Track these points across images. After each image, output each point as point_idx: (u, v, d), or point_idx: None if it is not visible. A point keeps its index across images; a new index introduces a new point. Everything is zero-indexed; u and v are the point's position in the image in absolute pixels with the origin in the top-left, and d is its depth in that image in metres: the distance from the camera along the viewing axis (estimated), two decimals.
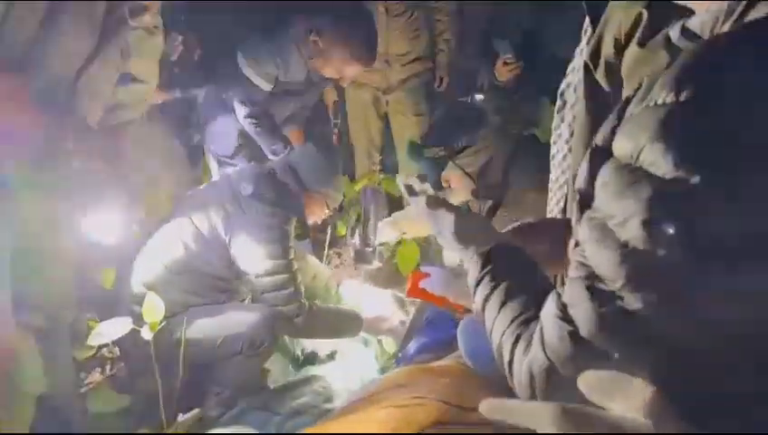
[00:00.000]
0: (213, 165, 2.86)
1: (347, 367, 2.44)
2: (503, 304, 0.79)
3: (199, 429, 2.10)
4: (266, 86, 2.74)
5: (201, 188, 2.51)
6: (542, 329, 0.69)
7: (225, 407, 2.21)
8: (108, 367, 2.47)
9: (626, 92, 0.84)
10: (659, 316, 0.59)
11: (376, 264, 2.72)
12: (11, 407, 1.86)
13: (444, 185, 2.41)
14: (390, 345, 2.44)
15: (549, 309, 0.69)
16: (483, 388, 1.91)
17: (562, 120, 1.40)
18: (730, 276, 0.55)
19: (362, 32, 2.64)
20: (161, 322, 2.00)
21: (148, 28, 2.20)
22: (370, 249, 2.64)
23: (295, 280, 2.25)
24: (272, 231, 2.22)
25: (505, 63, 3.06)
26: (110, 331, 1.98)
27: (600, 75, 1.06)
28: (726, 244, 0.54)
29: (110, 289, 2.37)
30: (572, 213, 0.71)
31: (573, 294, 0.65)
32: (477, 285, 0.85)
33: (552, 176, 1.58)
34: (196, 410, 2.18)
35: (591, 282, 0.63)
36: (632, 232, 0.58)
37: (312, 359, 2.50)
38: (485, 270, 0.86)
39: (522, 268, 0.86)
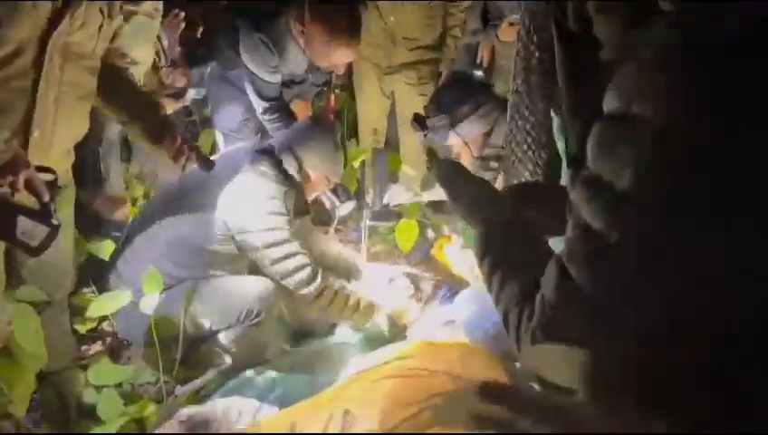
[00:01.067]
0: (219, 138, 2.85)
1: (347, 339, 2.44)
2: (507, 277, 0.79)
3: (199, 399, 2.11)
4: (274, 78, 2.74)
5: (191, 171, 2.47)
6: (542, 295, 0.70)
7: (224, 378, 2.21)
8: (108, 340, 2.47)
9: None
10: (652, 267, 0.60)
11: (392, 223, 2.73)
12: (12, 381, 1.85)
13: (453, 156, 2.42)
14: (400, 318, 2.44)
15: (549, 270, 0.70)
16: (486, 362, 1.94)
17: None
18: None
19: (341, 13, 2.58)
20: (160, 294, 1.99)
21: (149, 12, 2.16)
22: (387, 208, 2.66)
23: (301, 251, 2.24)
24: (271, 202, 2.21)
25: (511, 24, 3.00)
26: (109, 303, 1.97)
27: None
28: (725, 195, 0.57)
29: (108, 262, 2.36)
30: (565, 175, 0.72)
31: (570, 250, 0.66)
32: (483, 257, 0.85)
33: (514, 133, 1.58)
34: (195, 381, 2.19)
35: (587, 237, 0.64)
36: (626, 183, 0.59)
37: (311, 331, 2.51)
38: (490, 243, 0.85)
39: (524, 241, 0.85)
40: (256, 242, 2.19)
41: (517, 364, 2.16)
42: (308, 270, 2.23)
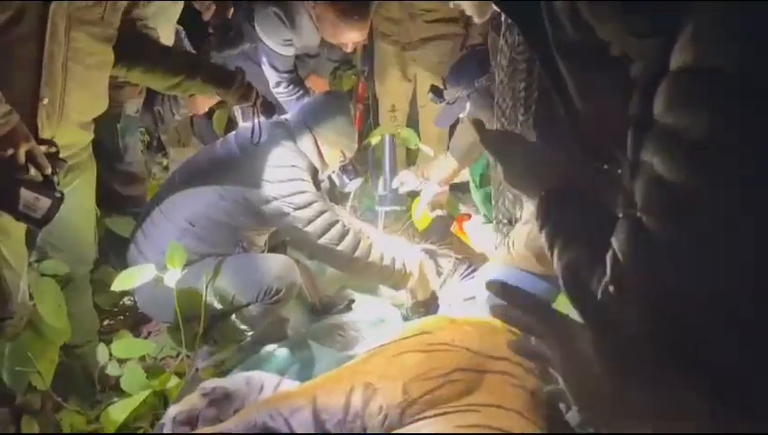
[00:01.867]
0: (237, 113, 2.88)
1: (365, 316, 2.46)
2: (569, 242, 0.78)
3: (220, 373, 2.14)
4: (288, 51, 2.76)
5: (218, 142, 2.48)
6: (614, 251, 0.69)
7: (244, 353, 2.24)
8: (129, 314, 2.51)
9: None
10: (731, 216, 0.61)
11: (403, 207, 2.74)
12: (37, 354, 1.89)
13: None
14: (423, 293, 2.43)
15: (621, 226, 0.69)
16: (506, 338, 1.94)
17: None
18: None
19: None
20: (181, 270, 2.01)
21: None
22: (395, 193, 2.67)
23: (329, 210, 2.26)
24: (293, 169, 2.23)
25: None
26: (133, 277, 1.99)
27: None
28: None
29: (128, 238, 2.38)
30: (630, 138, 0.71)
31: (646, 203, 0.66)
32: (543, 226, 0.84)
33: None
34: (216, 356, 2.22)
35: (663, 189, 0.64)
36: (704, 133, 0.59)
37: (329, 307, 2.52)
38: (549, 212, 0.84)
39: (583, 208, 0.84)
40: (285, 208, 2.20)
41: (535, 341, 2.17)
42: (340, 225, 2.24)
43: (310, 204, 2.21)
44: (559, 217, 0.82)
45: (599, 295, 0.72)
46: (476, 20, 2.00)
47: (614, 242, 0.71)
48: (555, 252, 0.80)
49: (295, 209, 2.20)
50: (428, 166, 2.67)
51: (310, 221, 2.21)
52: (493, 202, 2.32)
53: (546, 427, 1.70)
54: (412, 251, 2.49)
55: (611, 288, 0.70)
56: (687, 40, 0.62)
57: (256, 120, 2.17)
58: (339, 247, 2.23)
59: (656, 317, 0.66)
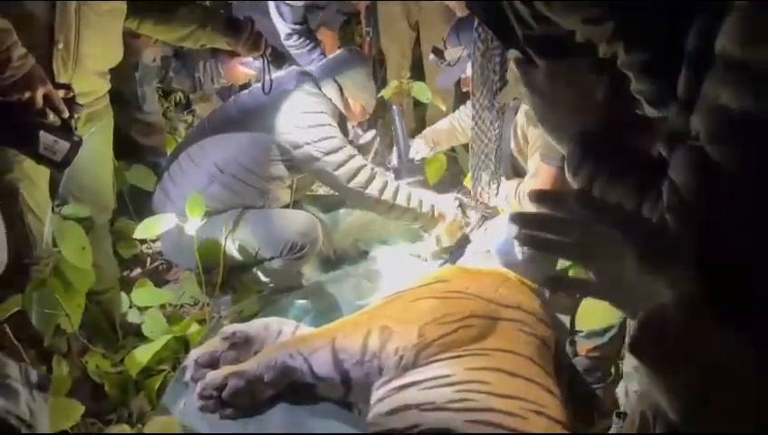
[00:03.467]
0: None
1: (379, 266, 2.50)
2: (613, 179, 0.78)
3: (240, 320, 2.19)
4: (297, 1, 2.76)
5: (246, 92, 2.50)
6: (671, 180, 0.70)
7: (263, 304, 2.30)
8: (148, 262, 2.56)
9: None
10: None
11: (420, 176, 2.76)
12: (63, 299, 1.94)
13: (464, 88, 2.41)
14: (448, 238, 2.48)
15: (679, 156, 0.70)
16: (518, 288, 1.98)
17: None
18: None
19: None
20: (202, 219, 2.06)
21: None
22: (412, 163, 2.68)
23: (357, 154, 2.30)
24: (321, 116, 2.27)
25: None
26: (155, 226, 2.03)
27: None
28: None
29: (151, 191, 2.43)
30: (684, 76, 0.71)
31: (711, 130, 0.66)
32: (578, 170, 0.83)
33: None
34: (237, 305, 2.27)
35: (730, 116, 0.64)
36: None
37: (344, 259, 2.57)
38: (586, 154, 0.83)
39: (625, 147, 0.84)
40: (315, 153, 2.24)
41: (546, 292, 2.21)
42: (368, 169, 2.30)
43: (339, 149, 2.25)
44: (598, 159, 0.82)
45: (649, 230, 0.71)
46: (458, 13, 2.02)
47: (672, 173, 0.71)
48: (596, 190, 0.80)
49: (325, 154, 2.24)
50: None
51: (339, 165, 2.26)
52: (472, 180, 2.37)
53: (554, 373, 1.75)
54: (445, 198, 2.52)
55: (669, 218, 0.70)
56: None
57: (267, 73, 2.18)
58: (367, 190, 2.29)
59: (713, 246, 0.67)
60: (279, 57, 2.23)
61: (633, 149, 0.83)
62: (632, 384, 1.62)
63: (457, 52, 2.26)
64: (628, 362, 1.66)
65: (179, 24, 2.06)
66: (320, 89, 2.36)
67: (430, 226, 2.45)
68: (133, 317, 2.23)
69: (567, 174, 0.85)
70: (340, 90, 2.37)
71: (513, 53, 0.91)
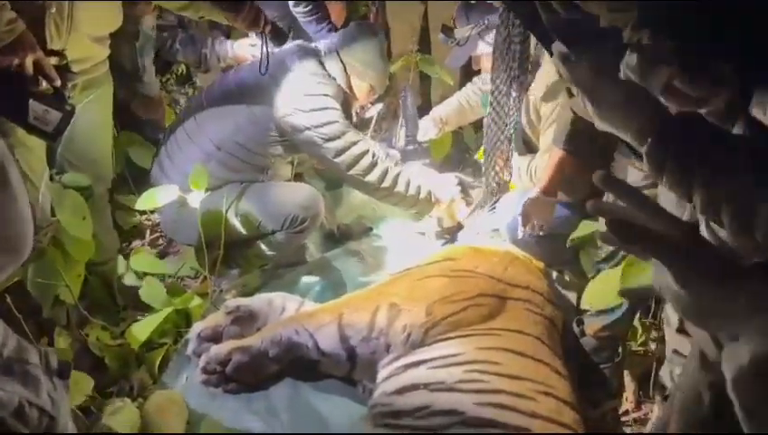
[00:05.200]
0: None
1: (383, 243, 2.48)
2: (714, 175, 0.72)
3: (243, 296, 2.16)
4: None
5: (247, 65, 2.43)
6: None
7: (267, 277, 2.27)
8: (147, 233, 2.53)
9: None
10: None
11: (426, 159, 2.72)
12: (63, 269, 1.91)
13: (475, 67, 2.36)
14: (449, 219, 2.46)
15: None
16: (527, 267, 1.96)
17: None
18: None
19: None
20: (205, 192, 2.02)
21: None
22: (420, 146, 2.63)
23: (359, 140, 2.24)
24: (324, 99, 2.20)
25: None
26: (156, 197, 1.99)
27: None
28: None
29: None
30: None
31: None
32: (661, 166, 0.76)
33: None
34: (239, 279, 2.24)
35: None
36: None
37: (347, 235, 2.54)
38: (668, 144, 0.77)
39: (709, 135, 0.77)
40: (317, 138, 2.18)
41: (554, 273, 2.19)
42: (370, 156, 2.25)
43: (341, 135, 2.20)
44: (683, 149, 0.73)
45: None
46: None
47: None
48: (697, 187, 0.71)
49: (326, 141, 2.18)
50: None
51: (340, 153, 2.21)
52: (483, 169, 2.33)
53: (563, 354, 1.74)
54: (445, 179, 2.48)
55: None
56: None
57: (264, 48, 2.10)
58: (366, 178, 2.25)
59: None
60: (279, 35, 2.14)
61: (719, 136, 0.74)
62: (676, 368, 1.61)
63: (467, 30, 2.20)
64: (671, 345, 1.64)
65: None
66: (324, 67, 2.28)
67: (425, 212, 2.44)
68: (129, 280, 2.20)
69: (652, 173, 0.76)
70: (345, 68, 2.29)
71: (557, 47, 0.87)
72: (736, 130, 0.75)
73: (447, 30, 2.30)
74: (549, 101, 1.94)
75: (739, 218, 0.66)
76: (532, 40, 1.98)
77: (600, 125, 0.85)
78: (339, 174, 2.29)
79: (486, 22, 2.17)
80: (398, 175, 2.31)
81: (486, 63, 2.25)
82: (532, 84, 2.05)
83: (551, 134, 1.92)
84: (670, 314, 1.59)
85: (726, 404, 0.62)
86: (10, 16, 1.46)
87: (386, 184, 2.27)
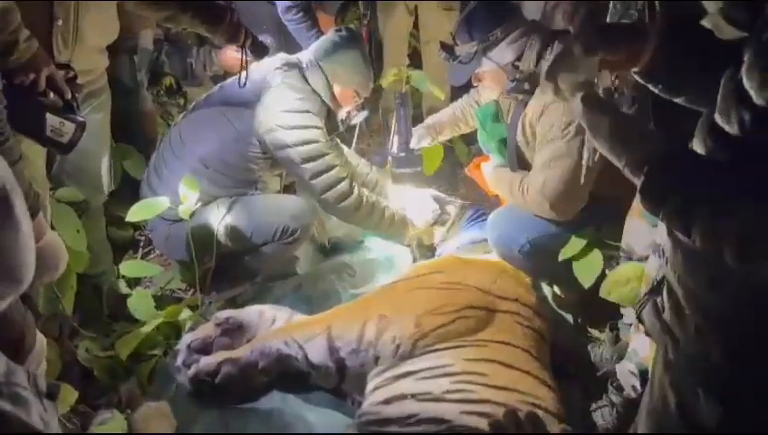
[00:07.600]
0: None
1: (374, 255, 2.48)
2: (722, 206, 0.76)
3: (233, 308, 2.17)
4: None
5: (231, 81, 2.45)
6: None
7: (257, 291, 2.27)
8: (140, 247, 2.53)
9: None
10: None
11: (419, 167, 2.71)
12: (58, 284, 1.91)
13: (475, 83, 2.35)
14: (428, 238, 2.47)
15: None
16: (515, 279, 1.97)
17: None
18: None
19: None
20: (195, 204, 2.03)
21: None
22: (412, 153, 2.63)
23: (337, 165, 2.24)
24: (305, 116, 2.20)
25: None
26: (147, 209, 2.00)
27: None
28: None
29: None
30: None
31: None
32: (663, 199, 0.80)
33: None
34: (229, 291, 2.25)
35: None
36: None
37: (339, 247, 2.55)
38: (671, 176, 0.80)
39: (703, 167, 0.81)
40: (295, 157, 2.18)
41: (545, 285, 2.20)
42: (345, 183, 2.24)
43: (319, 157, 2.19)
44: (684, 181, 0.78)
45: None
46: None
47: None
48: (700, 223, 0.76)
49: (304, 161, 2.18)
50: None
51: (316, 175, 2.20)
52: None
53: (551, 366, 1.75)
54: (421, 201, 2.49)
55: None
56: None
57: (244, 61, 2.09)
58: (340, 205, 2.24)
59: None
60: (260, 49, 2.14)
61: (715, 169, 0.79)
62: (631, 365, 1.67)
63: (471, 47, 2.17)
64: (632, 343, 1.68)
65: (162, 3, 1.97)
66: (307, 82, 2.29)
67: (400, 235, 2.44)
68: (120, 287, 2.21)
69: (644, 206, 0.83)
70: (327, 79, 2.30)
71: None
72: None
73: (447, 48, 2.25)
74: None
75: (740, 250, 0.72)
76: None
77: (610, 158, 0.89)
78: (313, 196, 2.28)
79: (492, 37, 2.15)
80: (373, 204, 2.30)
81: (490, 80, 2.22)
82: (529, 102, 2.07)
83: (545, 152, 1.94)
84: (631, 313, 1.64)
85: (692, 405, 0.64)
86: (26, 34, 1.49)
87: (360, 212, 2.27)
